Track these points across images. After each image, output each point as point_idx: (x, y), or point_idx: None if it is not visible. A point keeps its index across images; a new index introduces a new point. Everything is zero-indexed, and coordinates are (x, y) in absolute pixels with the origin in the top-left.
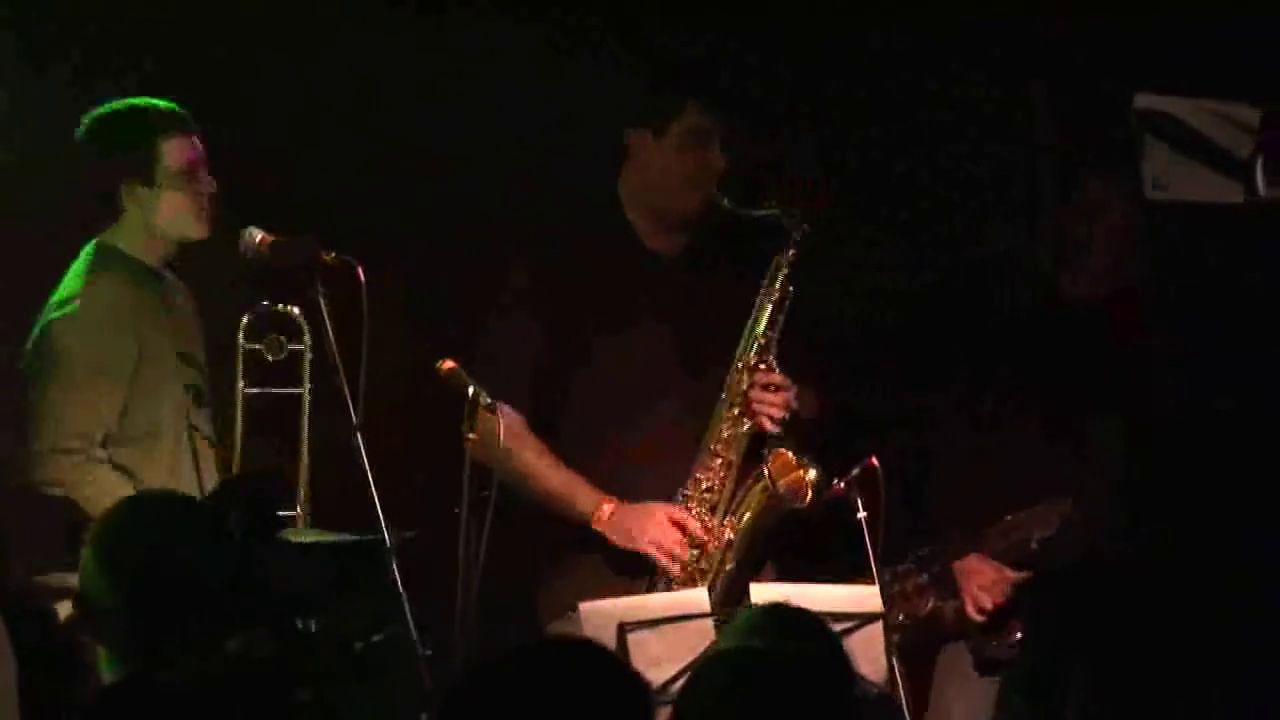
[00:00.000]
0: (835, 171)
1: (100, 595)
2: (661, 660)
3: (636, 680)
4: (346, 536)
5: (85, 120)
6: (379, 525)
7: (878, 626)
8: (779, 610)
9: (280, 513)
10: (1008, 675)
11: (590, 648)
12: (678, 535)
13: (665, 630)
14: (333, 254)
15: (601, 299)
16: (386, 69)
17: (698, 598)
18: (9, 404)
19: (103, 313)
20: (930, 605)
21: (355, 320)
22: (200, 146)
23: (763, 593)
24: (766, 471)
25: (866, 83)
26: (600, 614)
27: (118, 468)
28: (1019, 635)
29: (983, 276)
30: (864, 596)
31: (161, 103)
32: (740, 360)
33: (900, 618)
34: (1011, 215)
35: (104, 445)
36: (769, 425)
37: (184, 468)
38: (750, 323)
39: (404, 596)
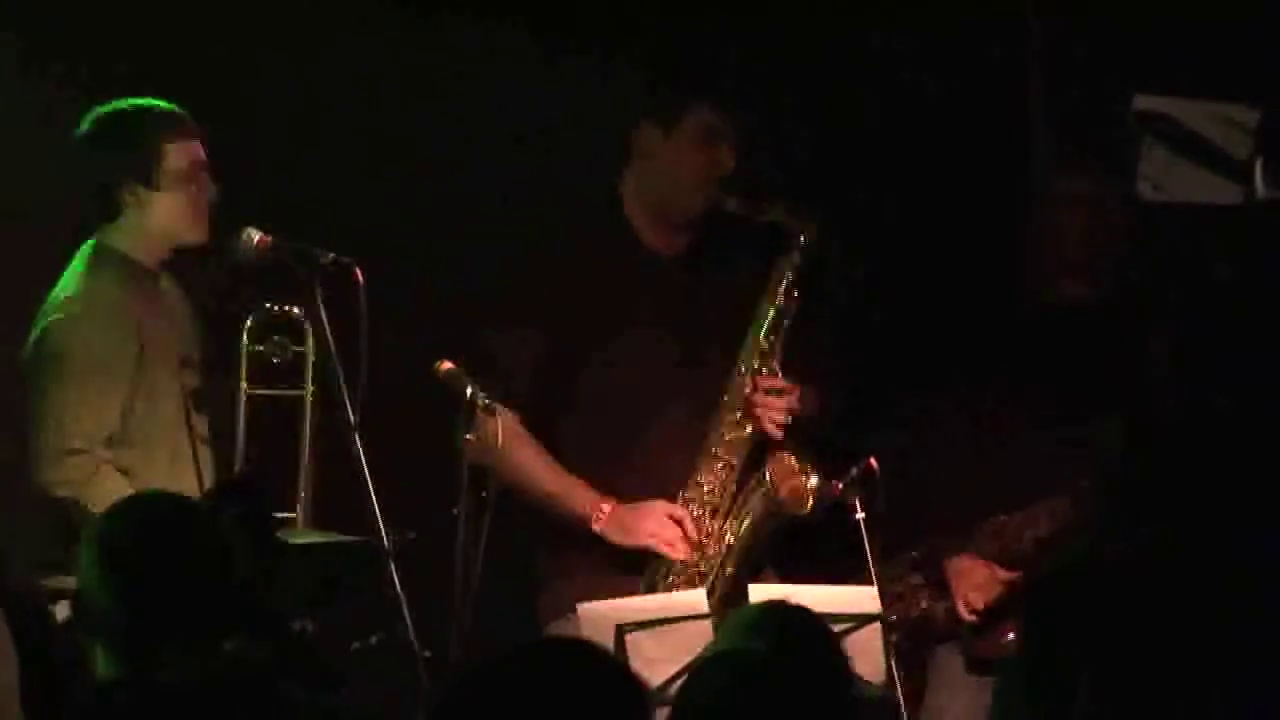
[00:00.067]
0: (835, 171)
1: (98, 595)
2: (659, 661)
3: (634, 681)
4: (345, 538)
5: (86, 119)
6: (377, 526)
7: (876, 627)
8: (778, 610)
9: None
10: (1003, 675)
11: (588, 648)
12: (676, 530)
13: (663, 631)
14: (331, 255)
15: (600, 299)
16: (386, 69)
17: (696, 599)
18: (9, 404)
19: (103, 312)
20: (923, 606)
21: (354, 321)
22: (202, 150)
23: (761, 592)
24: (768, 475)
25: (866, 83)
26: (598, 615)
27: (118, 469)
28: (1010, 635)
29: (980, 276)
30: (862, 597)
31: (164, 104)
32: (743, 364)
33: (893, 618)
34: (1009, 214)
35: (107, 446)
36: (771, 429)
37: (183, 470)
38: (753, 327)
39: (402, 598)
